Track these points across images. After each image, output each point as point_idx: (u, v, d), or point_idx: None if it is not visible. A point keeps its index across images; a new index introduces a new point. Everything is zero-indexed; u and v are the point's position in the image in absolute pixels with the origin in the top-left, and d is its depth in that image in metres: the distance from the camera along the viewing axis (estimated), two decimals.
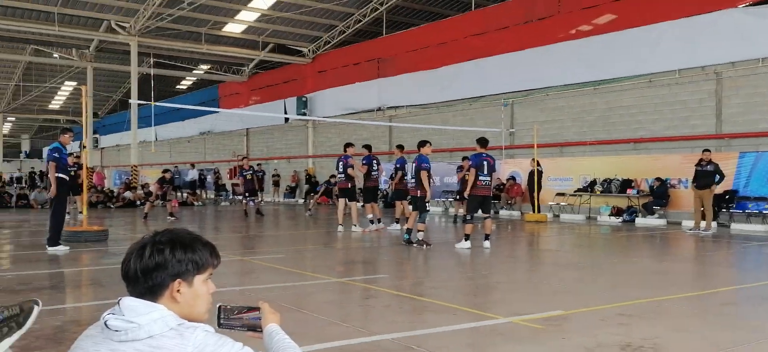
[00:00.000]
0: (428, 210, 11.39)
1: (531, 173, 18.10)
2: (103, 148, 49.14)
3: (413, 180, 11.61)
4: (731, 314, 5.99)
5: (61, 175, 10.18)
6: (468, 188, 10.67)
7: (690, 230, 14.28)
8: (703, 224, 14.06)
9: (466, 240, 10.54)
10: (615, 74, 18.37)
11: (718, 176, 14.03)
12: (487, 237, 10.79)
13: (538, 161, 17.82)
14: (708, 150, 14.45)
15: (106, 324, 1.69)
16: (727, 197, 15.48)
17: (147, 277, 1.73)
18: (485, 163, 10.62)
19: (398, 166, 14.26)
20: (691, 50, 16.70)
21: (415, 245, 10.84)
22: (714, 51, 16.27)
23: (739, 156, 15.66)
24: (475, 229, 11.06)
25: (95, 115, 43.54)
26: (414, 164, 11.48)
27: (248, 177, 18.91)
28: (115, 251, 10.31)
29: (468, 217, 10.74)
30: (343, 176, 13.79)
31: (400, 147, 15.15)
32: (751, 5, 15.77)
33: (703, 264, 9.98)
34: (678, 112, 17.22)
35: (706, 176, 14.05)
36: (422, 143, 11.51)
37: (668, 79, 17.37)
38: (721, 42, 16.08)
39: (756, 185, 15.33)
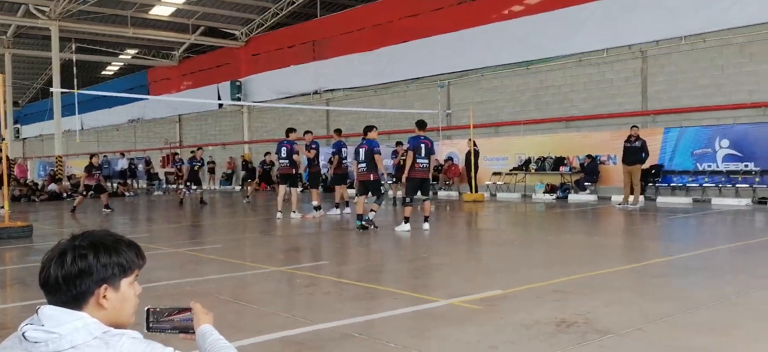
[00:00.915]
0: (384, 193, 11.33)
1: (468, 154, 18.35)
2: (25, 138, 46.79)
3: (364, 165, 11.09)
4: (661, 285, 6.24)
5: None
6: (406, 171, 10.69)
7: (619, 204, 14.83)
8: (631, 198, 14.63)
9: (405, 223, 10.55)
10: (546, 54, 18.79)
11: (644, 154, 14.59)
12: (426, 219, 10.85)
13: (474, 141, 18.07)
14: (636, 126, 15.00)
15: (24, 335, 1.58)
16: (653, 171, 16.15)
17: (70, 285, 1.62)
18: (423, 145, 10.63)
19: (335, 150, 14.20)
20: (617, 30, 17.24)
21: (364, 223, 10.72)
22: (638, 30, 16.85)
23: (664, 132, 16.35)
24: (414, 211, 11.11)
25: (15, 104, 41.22)
26: (363, 149, 11.07)
27: (196, 168, 18.39)
28: (40, 248, 9.82)
29: (407, 199, 10.76)
30: (286, 161, 13.56)
31: (338, 131, 15.14)
32: None
33: (632, 238, 10.38)
34: (606, 91, 17.79)
35: (634, 152, 14.59)
36: (369, 128, 11.28)
37: (596, 58, 17.90)
38: (645, 21, 16.66)
39: (680, 160, 16.06)
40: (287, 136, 13.81)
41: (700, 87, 15.93)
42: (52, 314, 1.59)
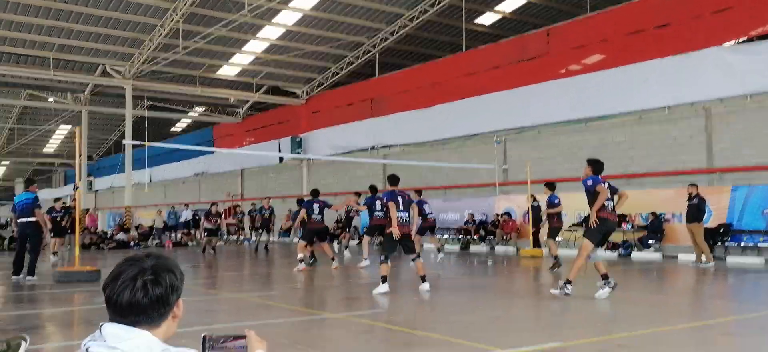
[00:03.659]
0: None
1: (534, 208, 17.89)
2: (97, 190, 48.98)
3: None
4: (730, 344, 5.96)
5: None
6: (394, 225, 9.68)
7: (693, 263, 14.13)
8: (703, 257, 13.99)
9: (383, 283, 9.41)
10: (605, 111, 18.53)
11: (700, 212, 14.02)
12: (423, 279, 9.72)
13: (533, 196, 17.83)
14: (693, 184, 14.48)
15: (87, 351, 1.66)
16: (721, 230, 15.51)
17: (161, 303, 1.71)
18: (399, 199, 9.79)
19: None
20: (680, 87, 16.88)
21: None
22: (702, 88, 16.46)
23: (732, 189, 15.75)
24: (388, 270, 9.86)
25: (90, 158, 43.51)
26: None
27: (266, 215, 20.82)
28: None
29: (382, 257, 9.63)
30: (381, 213, 14.60)
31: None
32: (737, 43, 16.04)
33: (700, 296, 9.95)
34: (669, 148, 17.35)
35: (690, 209, 14.09)
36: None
37: (658, 115, 17.54)
38: (709, 79, 16.29)
39: (750, 219, 15.37)
40: (374, 193, 15.12)
41: None
42: (114, 331, 1.68)
